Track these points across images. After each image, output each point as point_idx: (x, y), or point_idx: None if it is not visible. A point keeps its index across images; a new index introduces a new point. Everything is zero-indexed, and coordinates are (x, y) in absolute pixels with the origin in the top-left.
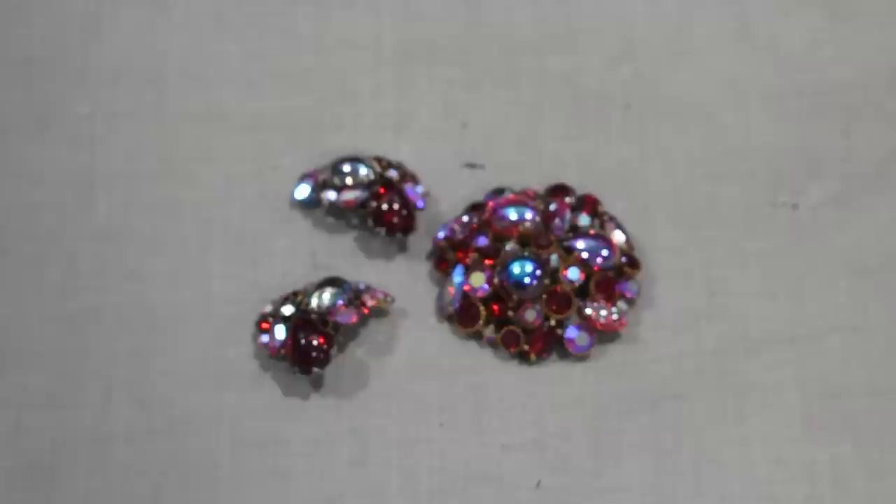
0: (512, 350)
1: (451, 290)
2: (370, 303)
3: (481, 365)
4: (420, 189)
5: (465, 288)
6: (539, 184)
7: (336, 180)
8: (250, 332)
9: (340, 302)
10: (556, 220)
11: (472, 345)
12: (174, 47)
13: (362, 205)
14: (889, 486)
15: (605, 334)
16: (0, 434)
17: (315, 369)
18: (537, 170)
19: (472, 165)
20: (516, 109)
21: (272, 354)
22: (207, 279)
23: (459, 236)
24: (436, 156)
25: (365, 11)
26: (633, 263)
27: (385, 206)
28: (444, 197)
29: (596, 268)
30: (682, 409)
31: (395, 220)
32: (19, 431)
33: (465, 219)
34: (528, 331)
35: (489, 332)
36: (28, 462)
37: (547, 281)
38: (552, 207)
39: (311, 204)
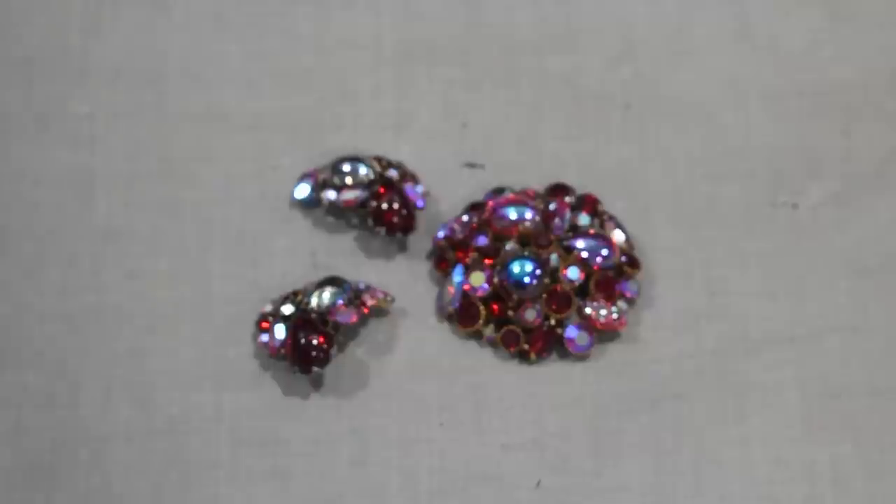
0: (512, 350)
1: (451, 289)
2: (370, 302)
3: (481, 365)
4: (420, 189)
5: (465, 287)
6: (539, 184)
7: (336, 180)
8: (250, 332)
9: (340, 301)
10: (556, 220)
11: (472, 344)
12: (174, 47)
13: (362, 204)
14: (889, 486)
15: (605, 334)
16: (0, 434)
17: (315, 369)
18: (537, 170)
19: (472, 165)
20: (516, 109)
21: (272, 354)
22: (207, 279)
23: (459, 236)
24: (436, 156)
25: (365, 11)
26: (633, 263)
27: (385, 206)
28: (444, 197)
29: (596, 267)
30: (682, 409)
31: (395, 219)
32: (19, 431)
33: (465, 218)
34: (528, 330)
35: (489, 331)
36: (28, 462)
37: (547, 280)
38: (552, 207)
39: (311, 204)
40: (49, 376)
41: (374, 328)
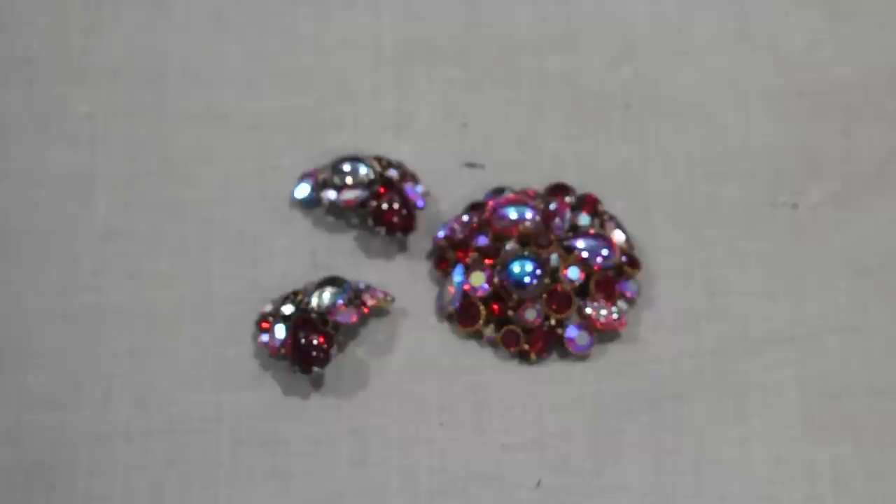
0: (512, 350)
1: (451, 289)
2: (370, 302)
3: (481, 365)
4: (420, 189)
5: (465, 287)
6: (539, 184)
7: (336, 180)
8: (250, 332)
9: (340, 301)
10: (556, 220)
11: (472, 344)
12: (174, 47)
13: (362, 204)
14: (889, 486)
15: (605, 334)
16: (0, 434)
17: (315, 369)
18: (537, 170)
19: (472, 165)
20: (516, 109)
21: (272, 354)
22: (207, 279)
23: (459, 236)
24: (436, 156)
25: (365, 11)
26: (633, 263)
27: (385, 206)
28: (444, 197)
29: (596, 267)
30: (682, 409)
31: (395, 219)
32: (19, 431)
33: (465, 218)
34: (528, 330)
35: (489, 331)
36: (28, 462)
37: (547, 280)
38: (552, 207)
39: (311, 203)
40: (49, 376)
41: (374, 328)
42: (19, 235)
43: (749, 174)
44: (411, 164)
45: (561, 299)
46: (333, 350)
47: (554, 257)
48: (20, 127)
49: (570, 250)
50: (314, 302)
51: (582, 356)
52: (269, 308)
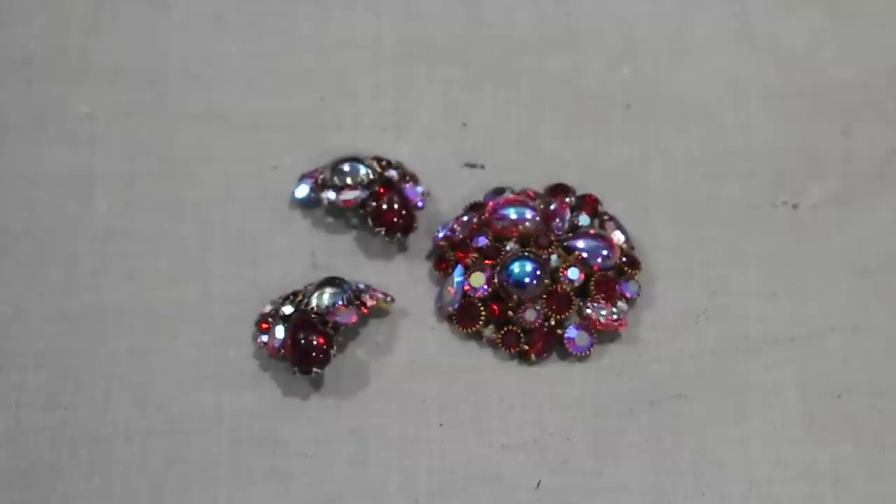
0: (512, 350)
1: (451, 289)
2: (370, 303)
3: (481, 365)
4: (420, 189)
5: (465, 288)
6: (539, 184)
7: (336, 180)
8: (250, 332)
9: (340, 302)
10: (556, 220)
11: (472, 345)
12: (174, 47)
13: (362, 205)
14: (889, 486)
15: (605, 334)
16: (0, 434)
17: (315, 369)
18: (537, 170)
19: (471, 165)
20: (516, 109)
21: (272, 354)
22: (207, 279)
23: (459, 236)
24: (436, 156)
25: (365, 11)
26: (633, 263)
27: (385, 206)
28: (444, 197)
29: (596, 268)
30: (682, 409)
31: (395, 219)
32: (19, 431)
33: (465, 218)
34: (528, 331)
35: (489, 332)
36: (28, 462)
37: (547, 281)
38: (552, 207)
39: (311, 204)
40: (49, 376)
41: (374, 328)
42: (19, 235)
43: (749, 174)
44: (411, 164)
45: (561, 300)
46: (333, 350)
47: (554, 258)
48: (20, 127)
49: (570, 251)
50: (314, 302)
51: (582, 356)
52: (268, 308)
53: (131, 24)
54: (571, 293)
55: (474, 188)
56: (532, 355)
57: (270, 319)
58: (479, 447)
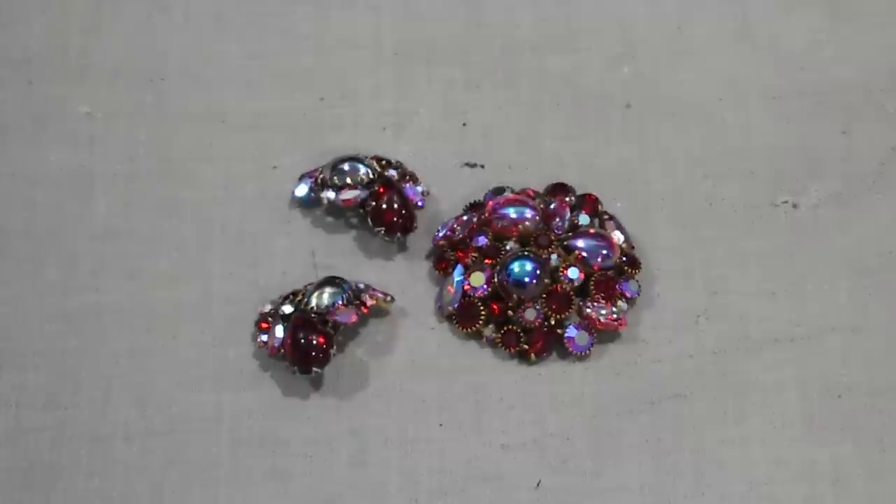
0: (512, 350)
1: (451, 289)
2: (370, 302)
3: (481, 365)
4: (420, 188)
5: (465, 287)
6: (539, 184)
7: (335, 179)
8: (250, 332)
9: (340, 302)
10: (556, 220)
11: (472, 345)
12: (174, 47)
13: (362, 204)
14: (889, 486)
15: (605, 334)
16: (0, 434)
17: (315, 369)
18: (537, 170)
19: (471, 165)
20: (516, 109)
21: (272, 354)
22: (207, 279)
23: (459, 236)
24: (436, 156)
25: (365, 11)
26: (633, 263)
27: (385, 206)
28: (444, 197)
29: (596, 267)
30: (682, 409)
31: (395, 219)
32: (19, 431)
33: (465, 218)
34: (528, 330)
35: (489, 331)
36: (28, 462)
37: (547, 280)
38: (552, 207)
39: (311, 203)
40: (49, 376)
41: (374, 328)
42: (18, 235)
43: (749, 174)
44: (411, 164)
45: (561, 299)
46: (333, 350)
47: (554, 257)
48: (19, 127)
49: (570, 250)
50: (314, 302)
51: (582, 356)
52: (268, 308)
53: (131, 24)
54: (571, 293)
55: (474, 188)
56: (532, 355)
57: (270, 319)
58: (479, 447)
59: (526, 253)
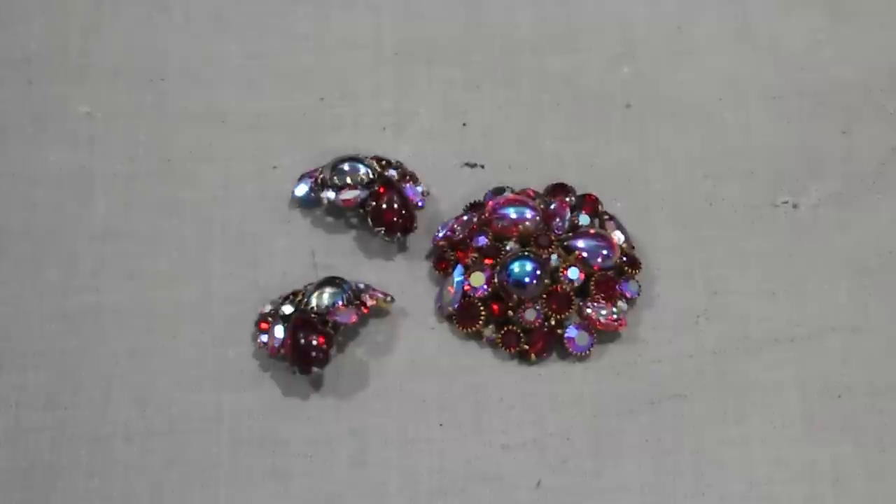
0: (512, 350)
1: (451, 289)
2: (370, 302)
3: (481, 365)
4: (420, 188)
5: (465, 287)
6: (539, 184)
7: (335, 179)
8: (250, 332)
9: (340, 302)
10: (556, 220)
11: (472, 345)
12: (174, 47)
13: (362, 204)
14: (889, 486)
15: (605, 334)
16: (0, 434)
17: (315, 369)
18: (537, 170)
19: (471, 165)
20: (516, 109)
21: (272, 354)
22: (207, 279)
23: (459, 236)
24: (436, 156)
25: (365, 11)
26: (633, 263)
27: (385, 206)
28: (444, 197)
29: (596, 267)
30: (682, 409)
31: (395, 219)
32: (19, 431)
33: (465, 218)
34: (528, 331)
35: (489, 332)
36: (28, 462)
37: (547, 280)
38: (552, 207)
39: (311, 203)
40: (49, 376)
41: (374, 328)
42: (18, 235)
43: (749, 174)
44: (411, 164)
45: (561, 299)
46: (333, 350)
47: (554, 257)
48: (19, 127)
49: (570, 250)
50: (314, 302)
51: (582, 356)
52: (268, 308)
53: (131, 24)
54: (571, 293)
55: (474, 188)
56: (532, 355)
57: (270, 319)
58: (479, 447)
59: (526, 253)
